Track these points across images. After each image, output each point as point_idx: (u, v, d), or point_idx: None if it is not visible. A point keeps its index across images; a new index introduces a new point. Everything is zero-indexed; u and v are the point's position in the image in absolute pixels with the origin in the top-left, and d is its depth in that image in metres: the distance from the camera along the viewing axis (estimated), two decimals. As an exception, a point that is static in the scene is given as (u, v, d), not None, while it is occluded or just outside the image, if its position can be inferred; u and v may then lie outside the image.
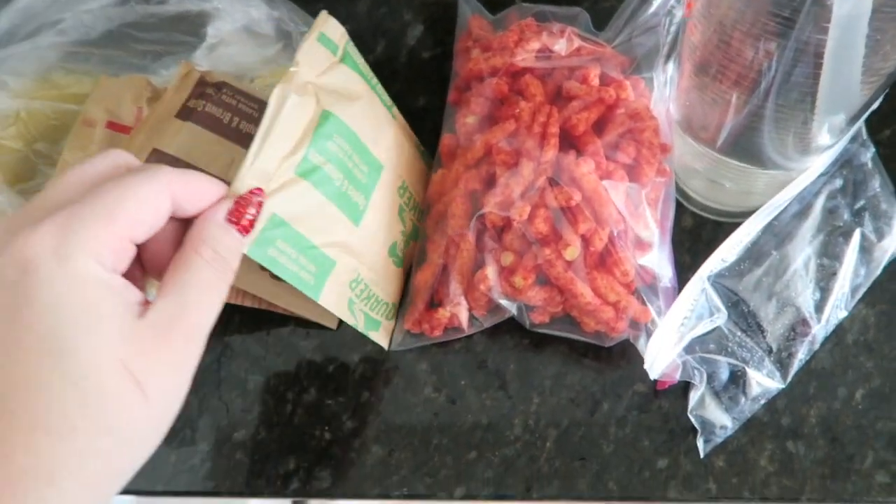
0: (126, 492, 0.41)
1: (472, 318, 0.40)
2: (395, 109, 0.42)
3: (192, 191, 0.27)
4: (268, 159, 0.31)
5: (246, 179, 0.30)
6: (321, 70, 0.35)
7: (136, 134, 0.37)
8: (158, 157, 0.36)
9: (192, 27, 0.47)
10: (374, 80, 0.40)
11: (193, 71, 0.39)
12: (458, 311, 0.40)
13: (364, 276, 0.39)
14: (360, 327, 0.39)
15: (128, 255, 0.25)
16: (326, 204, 0.35)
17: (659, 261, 0.37)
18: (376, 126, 0.38)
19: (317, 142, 0.34)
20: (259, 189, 0.30)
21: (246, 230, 0.29)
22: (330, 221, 0.35)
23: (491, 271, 0.38)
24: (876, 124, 0.43)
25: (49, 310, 0.23)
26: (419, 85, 0.51)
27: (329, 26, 0.36)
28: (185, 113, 0.38)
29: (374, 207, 0.38)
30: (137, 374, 0.24)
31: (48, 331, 0.22)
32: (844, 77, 0.32)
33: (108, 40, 0.46)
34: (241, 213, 0.29)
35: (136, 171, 0.26)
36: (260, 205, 0.30)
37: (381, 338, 0.41)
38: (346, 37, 0.37)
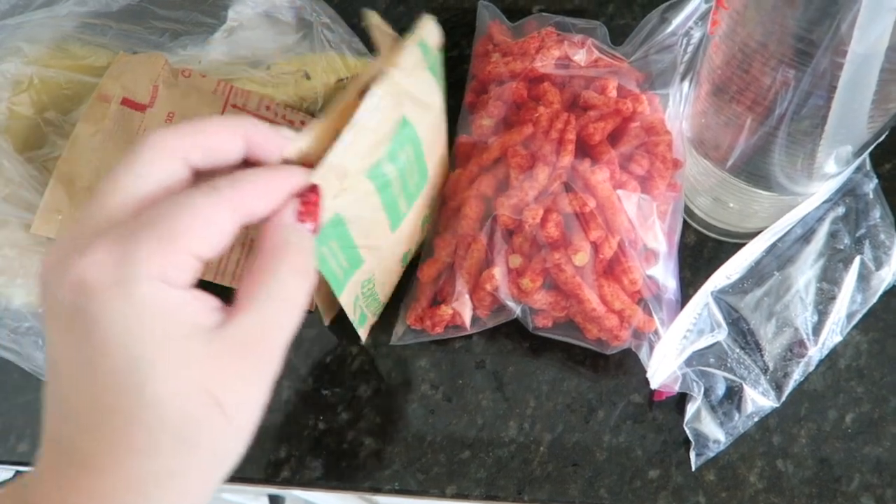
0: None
1: (474, 317, 0.41)
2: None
3: (261, 197, 0.25)
4: (351, 157, 0.30)
5: (327, 173, 0.28)
6: (412, 76, 0.33)
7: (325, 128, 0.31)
8: None
9: (213, 8, 0.47)
10: (441, 88, 0.37)
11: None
12: (462, 310, 0.40)
13: (375, 279, 0.38)
14: (355, 322, 0.39)
15: (194, 269, 0.24)
16: (380, 209, 0.34)
17: (665, 273, 0.38)
18: (436, 138, 0.37)
19: (393, 148, 0.32)
20: (315, 185, 0.28)
21: (316, 231, 0.27)
22: (376, 225, 0.34)
23: (499, 272, 0.38)
24: (879, 157, 0.44)
25: (117, 337, 0.22)
26: (433, 85, 0.51)
27: (429, 33, 0.34)
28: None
29: (411, 216, 0.38)
30: (218, 395, 0.23)
31: (120, 357, 0.22)
32: (854, 111, 0.33)
33: (127, 15, 0.46)
34: (312, 211, 0.27)
35: (198, 190, 0.24)
36: (319, 198, 0.28)
37: (363, 331, 0.41)
38: (438, 42, 0.35)
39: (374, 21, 0.33)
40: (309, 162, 0.28)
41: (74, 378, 0.22)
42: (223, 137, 0.26)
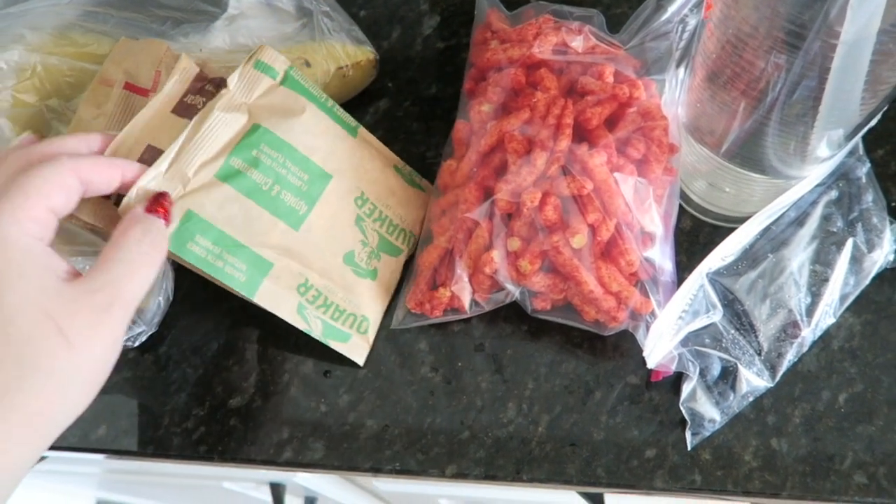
0: (116, 452, 0.41)
1: (473, 301, 0.41)
2: (361, 129, 0.43)
3: (98, 171, 0.32)
4: (186, 163, 0.36)
5: (150, 177, 0.35)
6: (260, 93, 0.39)
7: (134, 126, 0.37)
8: (152, 154, 0.36)
9: (214, -3, 0.47)
10: (330, 103, 0.42)
11: (192, 65, 0.39)
12: (461, 294, 0.41)
13: (314, 283, 0.40)
14: (317, 334, 0.40)
15: (51, 226, 0.30)
16: (253, 207, 0.38)
17: (662, 255, 0.38)
18: (322, 139, 0.40)
19: (240, 150, 0.37)
20: (165, 192, 0.35)
21: (166, 219, 0.34)
22: (260, 223, 0.38)
23: (497, 255, 0.39)
24: (872, 143, 0.44)
25: None
26: (432, 74, 0.51)
27: (266, 54, 0.39)
28: (181, 109, 0.38)
29: (320, 215, 0.40)
30: (62, 324, 0.28)
31: None
32: (846, 94, 0.34)
33: (128, 2, 0.46)
34: (155, 205, 0.34)
35: (47, 162, 0.31)
36: (170, 202, 0.35)
37: (350, 350, 0.41)
38: (287, 63, 0.40)
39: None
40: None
41: None
42: (62, 185, 0.31)
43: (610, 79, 0.41)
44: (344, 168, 0.41)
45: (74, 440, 0.42)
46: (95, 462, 0.74)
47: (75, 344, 0.28)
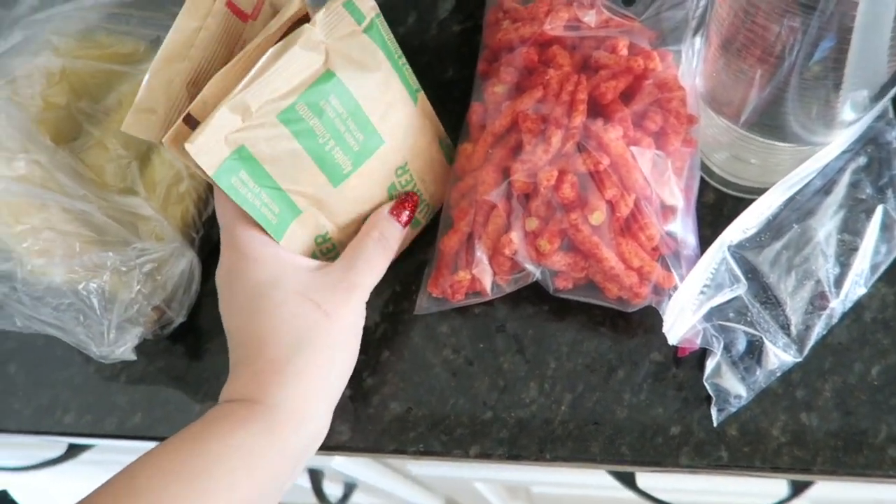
0: (152, 438, 0.43)
1: (494, 284, 0.41)
2: (421, 95, 0.42)
3: None
4: (252, 96, 0.34)
5: (224, 108, 0.33)
6: (341, 35, 0.36)
7: (234, 65, 0.35)
8: None
9: (229, -8, 0.48)
10: (402, 61, 0.40)
11: (301, 7, 0.37)
12: (482, 276, 0.41)
13: (332, 236, 0.40)
14: None
15: None
16: (303, 156, 0.37)
17: (684, 229, 0.38)
18: (387, 102, 0.39)
19: (308, 95, 0.36)
20: (413, 193, 0.41)
21: (404, 224, 0.41)
22: (303, 173, 0.37)
23: (516, 235, 0.39)
24: (904, 106, 0.43)
25: (256, 280, 0.37)
26: (448, 57, 0.51)
27: None
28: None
29: (362, 176, 0.39)
30: (317, 299, 0.36)
31: (257, 285, 0.37)
32: (870, 53, 0.32)
33: (146, 2, 0.47)
34: (400, 209, 0.41)
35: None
36: (414, 206, 0.41)
37: None
38: (377, 10, 0.38)
39: None
40: (215, 99, 0.34)
41: (233, 316, 0.38)
42: None
43: (624, 52, 0.40)
44: (397, 135, 0.40)
45: (112, 428, 0.43)
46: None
47: (330, 314, 0.36)
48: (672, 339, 0.36)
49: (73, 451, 0.58)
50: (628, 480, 0.57)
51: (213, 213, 0.44)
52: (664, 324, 0.36)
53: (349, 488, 0.78)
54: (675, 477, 0.52)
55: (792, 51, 0.33)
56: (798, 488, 0.53)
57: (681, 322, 0.36)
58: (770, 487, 0.55)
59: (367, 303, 0.39)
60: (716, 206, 0.43)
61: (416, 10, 0.54)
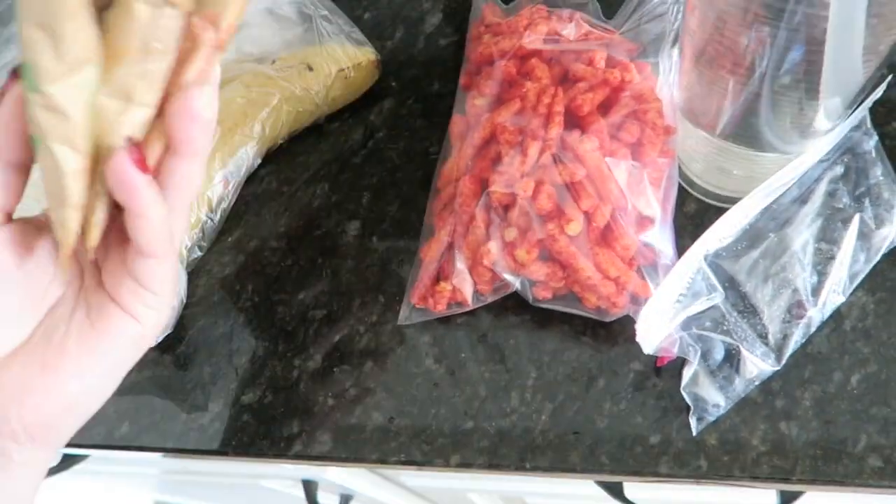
0: (138, 448, 0.43)
1: (475, 294, 0.42)
2: None
3: None
4: None
5: None
6: None
7: None
8: None
9: (218, 9, 0.49)
10: None
11: None
12: (463, 287, 0.41)
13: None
14: None
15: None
16: None
17: (661, 239, 0.38)
18: None
19: None
20: None
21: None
22: None
23: (494, 245, 0.39)
24: (883, 116, 0.43)
25: None
26: (435, 71, 0.52)
27: None
28: None
29: None
30: None
31: None
32: (845, 58, 0.32)
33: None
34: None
35: None
36: None
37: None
38: None
39: None
40: None
41: None
42: None
43: (601, 64, 0.40)
44: None
45: (100, 438, 0.44)
46: (154, 462, 0.77)
47: None
48: (647, 348, 0.36)
49: (66, 462, 0.59)
50: (617, 492, 0.56)
51: (198, 225, 0.45)
52: (637, 332, 0.36)
53: (345, 500, 0.78)
54: (666, 489, 0.52)
55: (762, 60, 0.33)
56: (787, 500, 0.52)
57: (656, 331, 0.36)
58: (759, 499, 0.55)
59: (352, 313, 0.39)
60: (697, 217, 0.43)
61: (403, 24, 0.54)
